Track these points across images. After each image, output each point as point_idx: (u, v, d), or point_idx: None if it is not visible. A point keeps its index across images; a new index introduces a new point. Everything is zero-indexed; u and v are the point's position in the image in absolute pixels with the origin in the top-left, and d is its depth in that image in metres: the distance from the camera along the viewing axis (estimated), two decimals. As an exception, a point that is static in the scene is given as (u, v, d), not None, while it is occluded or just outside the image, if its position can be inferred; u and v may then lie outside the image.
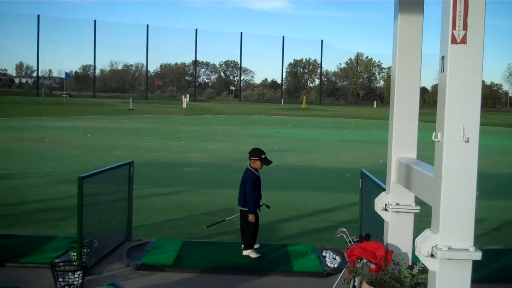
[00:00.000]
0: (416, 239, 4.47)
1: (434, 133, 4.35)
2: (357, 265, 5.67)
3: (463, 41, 4.15)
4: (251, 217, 8.33)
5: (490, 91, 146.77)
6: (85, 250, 7.27)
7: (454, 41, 4.16)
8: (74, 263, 6.88)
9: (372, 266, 5.57)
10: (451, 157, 4.20)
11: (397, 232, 5.92)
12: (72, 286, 6.44)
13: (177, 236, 9.94)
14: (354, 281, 5.67)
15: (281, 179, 17.93)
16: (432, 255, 4.27)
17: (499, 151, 29.59)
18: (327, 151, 27.99)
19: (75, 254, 7.29)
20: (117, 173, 8.60)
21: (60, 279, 6.44)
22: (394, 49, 5.96)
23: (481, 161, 4.27)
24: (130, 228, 9.23)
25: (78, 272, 6.51)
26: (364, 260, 5.63)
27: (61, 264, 6.74)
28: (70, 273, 6.47)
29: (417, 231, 5.98)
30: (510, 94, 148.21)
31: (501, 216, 12.68)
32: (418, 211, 5.88)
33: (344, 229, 6.38)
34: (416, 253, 4.43)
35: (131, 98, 79.11)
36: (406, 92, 5.86)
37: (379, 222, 7.43)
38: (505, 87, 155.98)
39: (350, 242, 6.19)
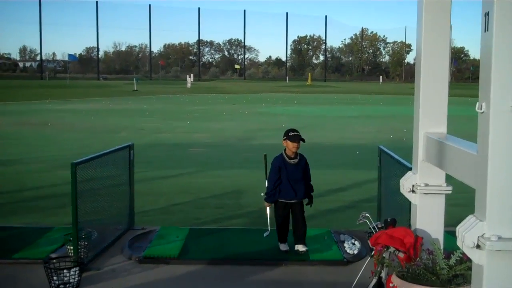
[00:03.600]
0: (458, 228, 3.84)
1: (477, 103, 3.70)
2: (384, 255, 5.07)
3: (512, -6, 3.50)
4: (266, 204, 7.49)
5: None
6: (83, 243, 6.64)
7: (501, -6, 3.50)
8: (70, 258, 6.27)
9: (401, 255, 4.96)
10: (499, 131, 3.56)
11: (427, 216, 5.28)
12: (68, 285, 5.84)
13: (183, 221, 9.46)
14: (381, 273, 5.07)
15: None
16: (478, 246, 3.65)
17: None
18: (334, 127, 27.41)
19: (71, 248, 6.67)
20: (116, 157, 7.94)
21: (55, 277, 5.83)
22: (420, 9, 5.26)
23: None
24: (132, 216, 8.60)
25: (74, 269, 5.91)
26: (391, 249, 5.02)
27: (54, 260, 6.12)
28: (65, 270, 5.87)
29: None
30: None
31: None
32: (450, 192, 5.23)
33: (367, 214, 5.76)
34: (459, 243, 3.82)
35: (135, 79, 78.47)
36: (434, 59, 5.19)
37: (400, 204, 6.83)
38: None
39: (374, 228, 5.57)
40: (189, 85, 79.82)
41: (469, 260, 4.18)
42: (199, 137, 22.93)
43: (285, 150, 7.45)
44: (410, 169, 5.77)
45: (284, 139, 7.40)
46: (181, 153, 18.51)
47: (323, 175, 14.12)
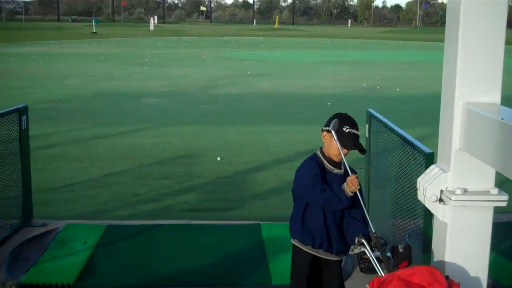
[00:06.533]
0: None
1: None
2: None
3: None
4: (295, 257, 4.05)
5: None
6: None
7: None
8: None
9: (424, 317, 2.85)
10: None
11: (465, 243, 3.14)
12: None
13: (115, 199, 7.67)
14: None
15: (252, 111, 15.42)
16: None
17: None
18: (303, 74, 25.55)
19: None
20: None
21: None
22: None
23: None
24: (28, 206, 6.13)
25: None
26: (408, 305, 2.91)
27: None
28: None
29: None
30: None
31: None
32: (505, 204, 3.06)
33: (363, 240, 3.43)
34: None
35: (94, 21, 75.08)
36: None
37: (405, 206, 4.75)
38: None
39: (375, 261, 3.34)
40: (152, 27, 76.74)
41: None
42: (155, 85, 20.89)
43: (322, 148, 3.94)
44: (428, 157, 3.61)
45: (327, 131, 3.80)
46: (131, 105, 16.41)
47: (292, 133, 12.51)
